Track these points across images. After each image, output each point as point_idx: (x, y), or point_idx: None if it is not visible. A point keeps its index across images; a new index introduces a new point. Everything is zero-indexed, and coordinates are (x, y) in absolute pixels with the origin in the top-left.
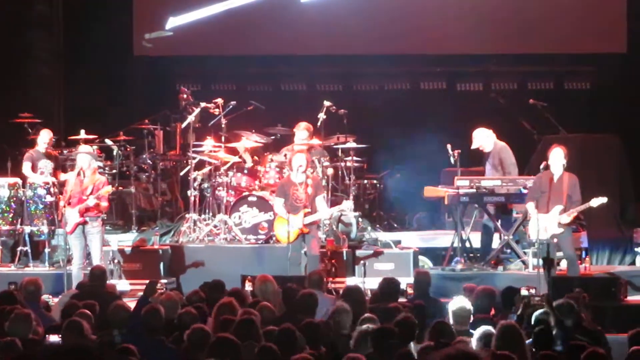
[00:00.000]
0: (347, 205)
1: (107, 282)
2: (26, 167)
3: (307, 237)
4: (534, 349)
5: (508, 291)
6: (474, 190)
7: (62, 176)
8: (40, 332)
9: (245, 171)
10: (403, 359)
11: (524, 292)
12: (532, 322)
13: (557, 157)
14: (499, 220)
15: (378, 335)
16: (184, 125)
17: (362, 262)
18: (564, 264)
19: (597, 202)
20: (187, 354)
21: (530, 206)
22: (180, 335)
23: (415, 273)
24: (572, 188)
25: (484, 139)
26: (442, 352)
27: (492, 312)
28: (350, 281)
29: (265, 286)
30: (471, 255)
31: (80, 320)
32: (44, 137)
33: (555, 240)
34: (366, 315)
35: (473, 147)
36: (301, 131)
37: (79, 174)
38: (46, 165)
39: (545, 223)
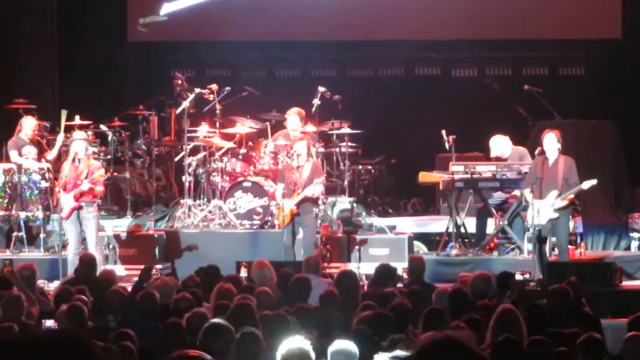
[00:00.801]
0: (319, 179)
1: (106, 267)
2: (14, 155)
3: (301, 223)
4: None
5: (503, 276)
6: (469, 175)
7: (49, 155)
8: (35, 313)
9: (240, 157)
10: (396, 344)
11: (518, 276)
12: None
13: (550, 142)
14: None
15: (375, 321)
16: (178, 110)
17: (357, 247)
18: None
19: (587, 184)
20: (184, 339)
21: (527, 192)
22: (176, 321)
23: (409, 258)
24: (569, 171)
25: (502, 147)
26: (428, 336)
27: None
28: (347, 267)
29: (262, 271)
30: (466, 240)
31: (81, 305)
32: (30, 124)
33: (549, 225)
34: (365, 302)
35: (492, 155)
36: (292, 116)
37: (73, 160)
38: (30, 151)
39: (541, 208)
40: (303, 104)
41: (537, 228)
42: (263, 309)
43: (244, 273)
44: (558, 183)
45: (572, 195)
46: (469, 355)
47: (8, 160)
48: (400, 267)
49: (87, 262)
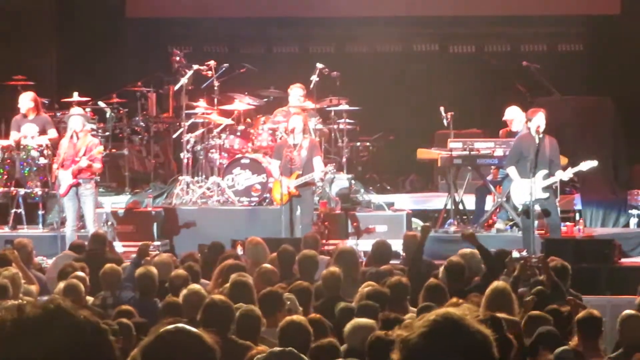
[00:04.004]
0: (329, 168)
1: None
2: (13, 135)
3: (300, 201)
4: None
5: (499, 254)
6: (467, 152)
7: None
8: (35, 291)
9: (238, 133)
10: (392, 323)
11: (515, 254)
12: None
13: (542, 120)
14: None
15: (373, 299)
16: (176, 87)
17: (355, 224)
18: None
19: (587, 165)
20: (182, 316)
21: (511, 170)
22: (173, 299)
23: (403, 236)
24: (554, 152)
25: (516, 115)
26: (427, 318)
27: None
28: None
29: (256, 249)
30: (464, 217)
31: (77, 282)
32: (20, 102)
33: (537, 207)
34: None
35: (504, 118)
36: (297, 89)
37: (71, 137)
38: (29, 128)
39: (530, 187)
40: (301, 81)
41: (527, 205)
42: (266, 286)
43: (239, 251)
44: (546, 163)
45: (575, 171)
46: (470, 332)
47: (7, 135)
48: (399, 244)
49: (99, 240)
